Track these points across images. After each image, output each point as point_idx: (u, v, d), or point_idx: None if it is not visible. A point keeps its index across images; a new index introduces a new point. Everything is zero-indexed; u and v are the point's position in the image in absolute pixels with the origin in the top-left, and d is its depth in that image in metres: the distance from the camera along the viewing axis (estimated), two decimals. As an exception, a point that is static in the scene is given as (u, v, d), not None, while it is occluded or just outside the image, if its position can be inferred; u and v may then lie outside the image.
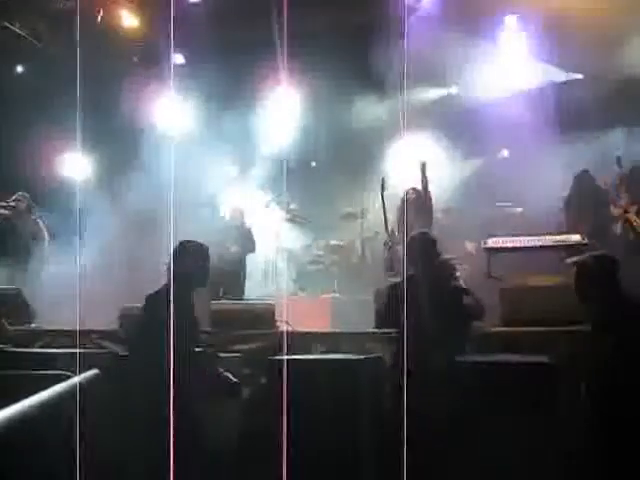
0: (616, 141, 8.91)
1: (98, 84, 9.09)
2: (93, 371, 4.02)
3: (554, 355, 4.75)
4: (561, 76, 9.55)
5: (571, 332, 4.90)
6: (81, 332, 5.58)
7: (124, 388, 4.97)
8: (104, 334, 6.08)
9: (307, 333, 5.90)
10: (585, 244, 6.96)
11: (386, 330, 5.02)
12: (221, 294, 7.88)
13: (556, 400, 4.48)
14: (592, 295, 4.44)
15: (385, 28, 8.56)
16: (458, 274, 5.61)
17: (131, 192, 9.67)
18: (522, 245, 7.37)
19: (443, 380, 4.44)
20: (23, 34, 9.88)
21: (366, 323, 5.74)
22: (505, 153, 10.27)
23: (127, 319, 6.23)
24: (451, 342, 4.61)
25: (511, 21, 9.34)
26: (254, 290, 9.00)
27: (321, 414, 4.54)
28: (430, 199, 7.92)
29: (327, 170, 10.75)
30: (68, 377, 3.76)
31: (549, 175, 8.54)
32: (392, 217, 7.93)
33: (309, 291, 9.59)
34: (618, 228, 7.63)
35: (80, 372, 4.01)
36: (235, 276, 8.12)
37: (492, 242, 7.39)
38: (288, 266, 10.15)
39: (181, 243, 4.74)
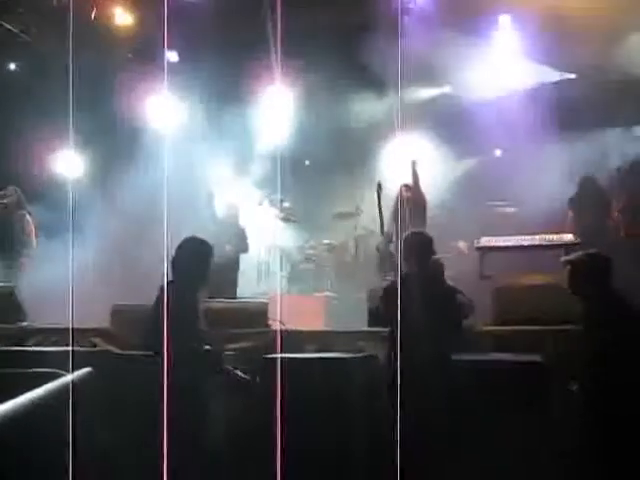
0: (610, 140, 8.94)
1: (91, 81, 9.06)
2: (86, 369, 4.01)
3: (547, 354, 4.77)
4: (555, 75, 9.57)
5: (564, 331, 4.91)
6: (74, 330, 5.56)
7: (118, 386, 4.97)
8: (97, 332, 6.07)
9: (300, 332, 5.90)
10: (578, 243, 6.98)
11: (379, 329, 5.02)
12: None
13: (549, 399, 4.50)
14: (585, 293, 4.46)
15: (380, 27, 8.55)
16: (446, 273, 5.59)
17: (124, 190, 9.65)
18: (515, 244, 7.41)
19: (436, 379, 4.44)
20: (16, 31, 9.82)
21: (359, 322, 5.75)
22: (499, 153, 10.29)
23: (119, 317, 6.23)
24: (445, 341, 4.61)
25: (505, 20, 9.35)
26: (247, 289, 8.98)
27: (314, 413, 4.54)
28: (422, 195, 7.90)
29: (321, 169, 10.75)
30: (60, 375, 3.75)
31: (542, 175, 8.57)
32: (388, 217, 7.89)
33: (302, 290, 9.59)
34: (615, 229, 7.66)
35: (73, 370, 4.00)
36: (228, 275, 8.10)
37: (485, 241, 7.41)
38: (281, 265, 10.14)
39: (185, 240, 4.75)
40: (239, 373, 4.82)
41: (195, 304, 4.74)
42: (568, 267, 4.58)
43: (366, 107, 10.09)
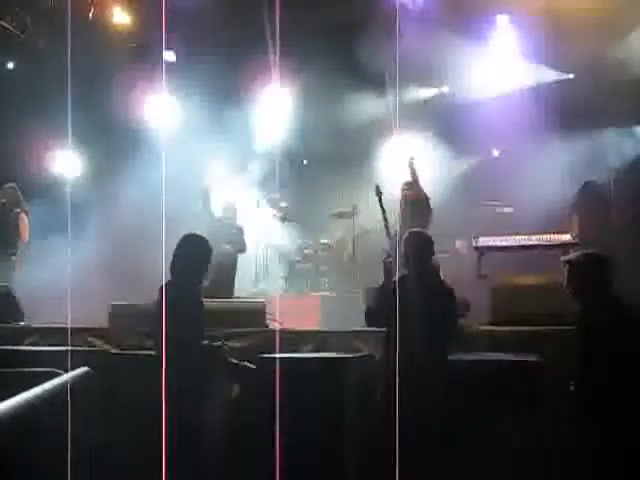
0: (608, 141, 8.94)
1: (90, 80, 9.07)
2: (83, 369, 4.00)
3: (544, 354, 4.78)
4: (553, 75, 9.57)
5: (561, 331, 4.92)
6: (71, 330, 5.57)
7: (116, 386, 4.98)
8: (94, 332, 6.07)
9: (297, 331, 5.90)
10: (576, 243, 6.99)
11: (376, 329, 5.02)
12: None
13: (546, 399, 4.51)
14: (583, 293, 4.46)
15: (377, 27, 8.57)
16: (444, 272, 5.59)
17: (122, 189, 9.65)
18: (512, 244, 7.41)
19: (434, 379, 4.45)
20: (14, 30, 9.81)
21: (356, 321, 5.75)
22: (496, 152, 10.29)
23: (117, 316, 6.23)
24: (442, 341, 4.61)
25: (503, 20, 9.35)
26: (244, 288, 8.98)
27: (312, 412, 4.55)
28: (423, 191, 7.85)
29: (319, 169, 10.75)
30: (57, 375, 3.75)
31: (540, 175, 8.58)
32: (392, 219, 7.77)
33: (299, 289, 9.59)
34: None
35: (70, 370, 4.00)
36: (226, 274, 8.10)
37: (483, 241, 7.41)
38: (279, 264, 10.14)
39: (185, 236, 4.77)
40: (234, 360, 4.83)
41: (197, 298, 4.75)
42: (567, 267, 4.59)
43: (364, 107, 10.09)
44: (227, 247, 8.18)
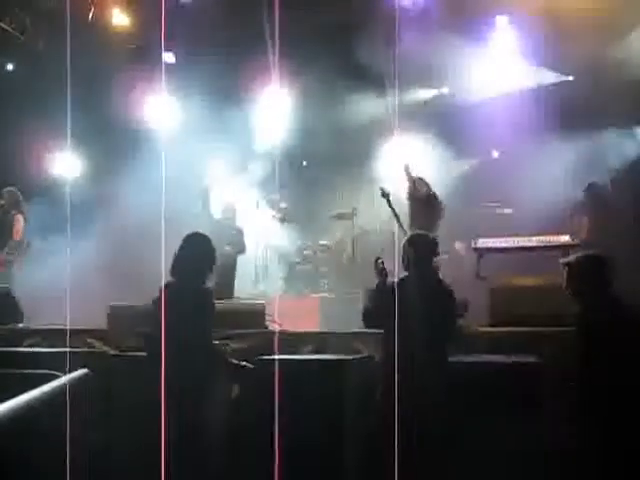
0: (608, 142, 8.94)
1: (89, 81, 9.07)
2: (82, 370, 4.00)
3: (543, 355, 4.77)
4: (552, 76, 9.57)
5: (560, 332, 4.91)
6: (70, 331, 5.56)
7: (114, 387, 4.97)
8: (94, 333, 6.07)
9: (296, 333, 5.90)
10: (574, 245, 6.99)
11: (375, 330, 5.01)
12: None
13: (545, 400, 4.50)
14: (583, 294, 4.46)
15: (377, 28, 8.57)
16: (443, 273, 5.58)
17: (121, 190, 9.65)
18: (512, 245, 7.41)
19: (434, 380, 4.44)
20: (13, 31, 9.81)
21: (355, 323, 5.74)
22: (496, 154, 10.29)
23: (116, 318, 6.22)
24: (442, 342, 4.61)
25: (503, 21, 9.35)
26: (244, 289, 8.97)
27: (311, 414, 4.54)
28: (423, 190, 7.82)
29: (318, 170, 10.75)
30: (56, 377, 3.74)
31: (539, 176, 8.57)
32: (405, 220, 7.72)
33: (299, 290, 9.58)
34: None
35: (69, 371, 4.00)
36: (226, 275, 8.09)
37: (482, 242, 7.41)
38: (278, 265, 10.13)
39: (188, 235, 4.76)
40: (234, 360, 4.82)
41: (203, 299, 4.73)
42: (566, 268, 4.59)
43: (364, 107, 10.08)
44: (227, 248, 8.17)
